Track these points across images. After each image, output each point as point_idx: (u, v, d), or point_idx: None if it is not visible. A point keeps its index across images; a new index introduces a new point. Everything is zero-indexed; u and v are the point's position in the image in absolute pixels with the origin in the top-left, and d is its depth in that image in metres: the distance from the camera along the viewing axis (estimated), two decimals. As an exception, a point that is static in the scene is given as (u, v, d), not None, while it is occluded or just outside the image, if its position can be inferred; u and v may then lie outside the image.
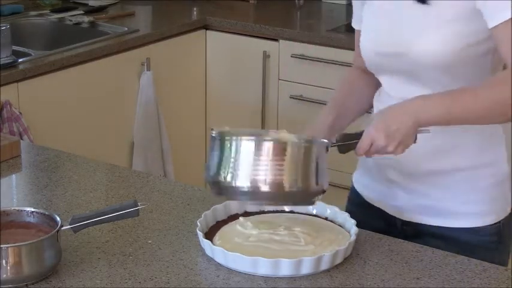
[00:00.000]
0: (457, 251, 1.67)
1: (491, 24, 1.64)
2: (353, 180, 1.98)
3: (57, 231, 1.55)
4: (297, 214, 1.77)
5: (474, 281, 1.57)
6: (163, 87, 3.51)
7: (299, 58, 3.45)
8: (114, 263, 1.61)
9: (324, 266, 1.57)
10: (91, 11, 3.71)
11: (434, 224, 1.80)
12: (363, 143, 1.62)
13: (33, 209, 1.62)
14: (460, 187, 1.77)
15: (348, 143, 1.64)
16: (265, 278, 1.55)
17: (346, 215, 1.73)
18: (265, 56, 3.56)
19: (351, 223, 1.69)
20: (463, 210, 1.79)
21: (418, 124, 1.60)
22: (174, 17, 3.76)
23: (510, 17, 1.61)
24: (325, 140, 1.60)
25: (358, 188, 1.94)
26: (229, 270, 1.58)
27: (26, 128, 2.91)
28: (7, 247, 1.49)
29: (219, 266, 1.59)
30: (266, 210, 1.79)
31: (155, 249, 1.66)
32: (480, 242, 1.78)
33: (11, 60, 2.95)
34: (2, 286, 1.50)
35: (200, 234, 1.63)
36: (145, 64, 3.43)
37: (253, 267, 1.55)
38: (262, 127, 3.62)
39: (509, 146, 1.80)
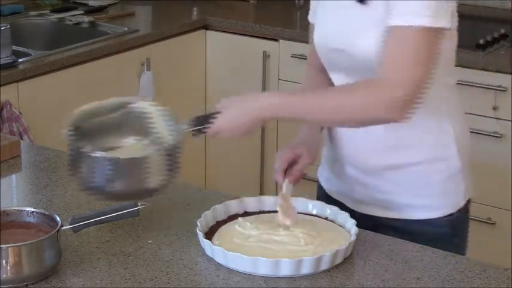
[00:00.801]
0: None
1: (392, 22, 1.64)
2: (318, 174, 2.03)
3: (57, 231, 1.55)
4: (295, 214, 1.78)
5: (474, 281, 1.57)
6: (163, 87, 3.51)
7: (299, 58, 3.44)
8: (114, 263, 1.61)
9: (324, 266, 1.57)
10: (91, 11, 3.71)
11: (390, 217, 1.84)
12: (211, 132, 1.71)
13: (33, 209, 1.62)
14: (412, 181, 1.82)
15: (198, 128, 1.71)
16: (265, 278, 1.55)
17: (347, 215, 1.73)
18: (265, 56, 3.56)
19: (351, 223, 1.69)
20: (416, 203, 1.83)
21: (259, 120, 1.70)
22: (174, 17, 3.76)
23: (417, 24, 1.62)
24: (182, 127, 1.69)
25: (322, 181, 2.01)
26: (229, 270, 1.58)
27: (26, 128, 2.91)
28: (7, 247, 1.49)
29: (219, 266, 1.59)
30: (266, 210, 1.79)
31: (155, 249, 1.66)
32: (434, 234, 1.81)
33: (11, 60, 2.95)
34: (2, 286, 1.50)
35: (200, 234, 1.63)
36: (145, 64, 3.43)
37: (253, 267, 1.55)
38: (262, 127, 3.62)
39: (460, 143, 1.83)
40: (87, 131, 1.70)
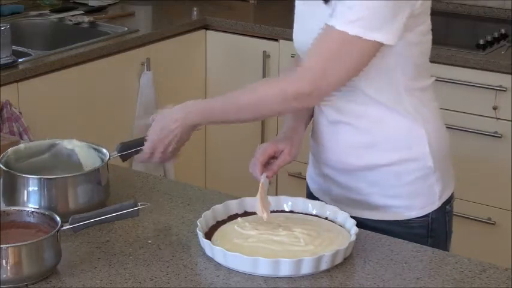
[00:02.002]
0: None
1: (330, 22, 1.69)
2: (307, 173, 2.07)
3: (57, 231, 1.55)
4: (296, 214, 1.78)
5: (474, 281, 1.57)
6: (163, 87, 3.51)
7: (299, 58, 3.44)
8: (114, 263, 1.61)
9: (324, 266, 1.57)
10: (91, 11, 3.71)
11: (365, 217, 1.84)
12: (145, 153, 1.85)
13: (33, 209, 1.63)
14: (386, 182, 1.83)
15: (128, 152, 1.88)
16: (265, 278, 1.55)
17: (346, 215, 1.73)
18: (265, 56, 3.56)
19: (351, 223, 1.69)
20: (390, 203, 1.84)
21: (188, 126, 1.82)
22: (174, 17, 3.76)
23: (338, 28, 1.67)
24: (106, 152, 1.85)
25: (307, 179, 2.03)
26: (229, 270, 1.58)
27: (26, 128, 2.91)
28: (7, 247, 1.49)
29: (219, 266, 1.59)
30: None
31: (155, 249, 1.66)
32: (409, 235, 1.81)
33: (11, 60, 2.95)
34: (2, 286, 1.50)
35: (200, 234, 1.63)
36: (145, 64, 3.43)
37: (253, 267, 1.55)
38: (262, 126, 3.62)
39: (433, 143, 1.83)
40: (19, 171, 1.77)
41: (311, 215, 1.77)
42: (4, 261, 1.49)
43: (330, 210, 1.76)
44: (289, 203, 1.80)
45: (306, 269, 1.56)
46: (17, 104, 2.94)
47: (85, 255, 1.63)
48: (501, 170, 3.17)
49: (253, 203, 1.79)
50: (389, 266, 1.61)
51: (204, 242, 1.62)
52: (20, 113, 2.92)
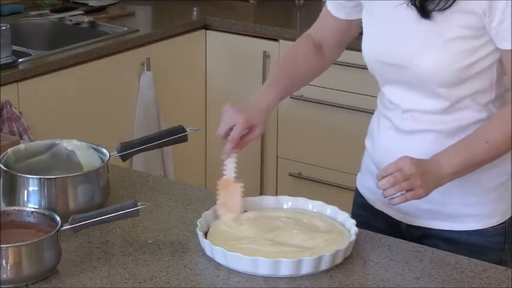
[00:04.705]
0: (466, 253, 1.67)
1: (506, 46, 1.64)
2: (357, 183, 1.97)
3: (57, 231, 1.55)
4: (296, 214, 1.77)
5: (474, 281, 1.57)
6: (163, 87, 3.51)
7: (299, 58, 3.44)
8: (114, 263, 1.61)
9: (324, 266, 1.57)
10: (91, 11, 3.70)
11: (439, 228, 1.80)
12: (390, 167, 1.64)
13: (33, 209, 1.62)
14: (462, 190, 1.76)
15: (128, 152, 1.86)
16: (265, 278, 1.55)
17: (347, 215, 1.73)
18: (265, 56, 3.56)
19: (351, 223, 1.69)
20: (467, 212, 1.79)
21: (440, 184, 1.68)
22: (174, 17, 3.76)
23: None
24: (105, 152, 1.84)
25: (362, 190, 1.94)
26: (229, 270, 1.58)
27: (26, 128, 2.91)
28: (7, 247, 1.49)
29: (219, 266, 1.59)
30: (265, 209, 1.79)
31: (155, 249, 1.66)
32: (487, 243, 1.78)
33: (11, 60, 2.95)
34: (2, 286, 1.50)
35: (200, 234, 1.63)
36: (145, 64, 3.43)
37: (253, 267, 1.55)
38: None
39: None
40: (19, 171, 1.77)
41: (311, 214, 1.77)
42: (4, 261, 1.49)
43: (330, 210, 1.76)
44: (289, 203, 1.80)
45: (306, 269, 1.56)
46: (17, 104, 2.94)
47: (85, 255, 1.63)
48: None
49: (254, 203, 1.79)
50: (389, 266, 1.61)
51: (204, 242, 1.62)
52: (20, 113, 2.91)
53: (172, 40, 3.57)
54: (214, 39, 3.70)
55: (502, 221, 1.80)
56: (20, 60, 3.01)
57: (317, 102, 3.40)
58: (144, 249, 1.66)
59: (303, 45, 1.96)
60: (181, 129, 1.90)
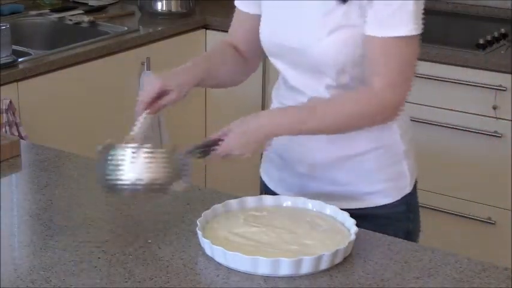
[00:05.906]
0: (374, 228, 1.74)
1: (380, 33, 1.69)
2: (260, 171, 2.05)
3: None
4: (296, 213, 1.77)
5: (474, 281, 1.57)
6: (163, 87, 3.50)
7: (299, 58, 3.44)
8: (113, 263, 1.61)
9: (324, 265, 1.57)
10: (91, 10, 3.71)
11: (346, 208, 1.82)
12: (221, 151, 1.76)
13: None
14: (362, 170, 1.85)
15: (199, 150, 1.83)
16: (265, 278, 1.55)
17: (346, 215, 1.73)
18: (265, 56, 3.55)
19: (350, 222, 1.69)
20: (369, 190, 1.87)
21: (269, 137, 1.75)
22: (174, 17, 3.75)
23: (404, 34, 1.68)
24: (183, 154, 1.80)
25: (266, 179, 2.02)
26: (229, 270, 1.58)
27: (18, 123, 2.90)
28: None
29: (218, 265, 1.60)
30: (264, 208, 1.79)
31: (155, 249, 1.66)
32: (392, 215, 1.87)
33: (11, 60, 2.95)
34: None
35: (200, 234, 1.63)
36: (145, 64, 3.43)
37: (253, 266, 1.55)
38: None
39: (402, 128, 1.87)
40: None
41: (311, 214, 1.77)
42: None
43: (330, 209, 1.76)
44: (289, 203, 1.80)
45: (306, 268, 1.56)
46: (17, 103, 2.94)
47: (85, 254, 1.63)
48: (501, 169, 3.17)
49: (254, 203, 1.79)
50: (389, 266, 1.62)
51: (204, 242, 1.62)
52: (20, 112, 2.92)
53: (172, 40, 3.57)
54: (214, 39, 3.69)
55: (402, 195, 1.89)
56: (20, 59, 3.01)
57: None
58: (144, 249, 1.66)
59: (219, 45, 2.03)
60: None
